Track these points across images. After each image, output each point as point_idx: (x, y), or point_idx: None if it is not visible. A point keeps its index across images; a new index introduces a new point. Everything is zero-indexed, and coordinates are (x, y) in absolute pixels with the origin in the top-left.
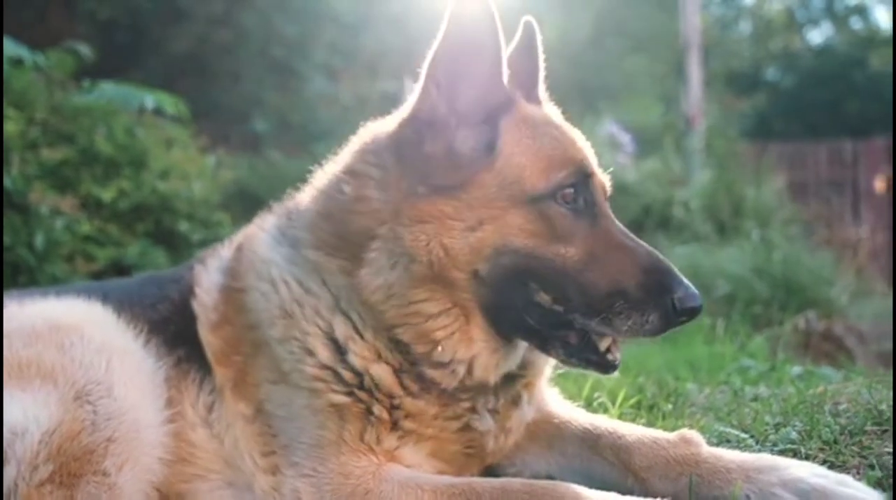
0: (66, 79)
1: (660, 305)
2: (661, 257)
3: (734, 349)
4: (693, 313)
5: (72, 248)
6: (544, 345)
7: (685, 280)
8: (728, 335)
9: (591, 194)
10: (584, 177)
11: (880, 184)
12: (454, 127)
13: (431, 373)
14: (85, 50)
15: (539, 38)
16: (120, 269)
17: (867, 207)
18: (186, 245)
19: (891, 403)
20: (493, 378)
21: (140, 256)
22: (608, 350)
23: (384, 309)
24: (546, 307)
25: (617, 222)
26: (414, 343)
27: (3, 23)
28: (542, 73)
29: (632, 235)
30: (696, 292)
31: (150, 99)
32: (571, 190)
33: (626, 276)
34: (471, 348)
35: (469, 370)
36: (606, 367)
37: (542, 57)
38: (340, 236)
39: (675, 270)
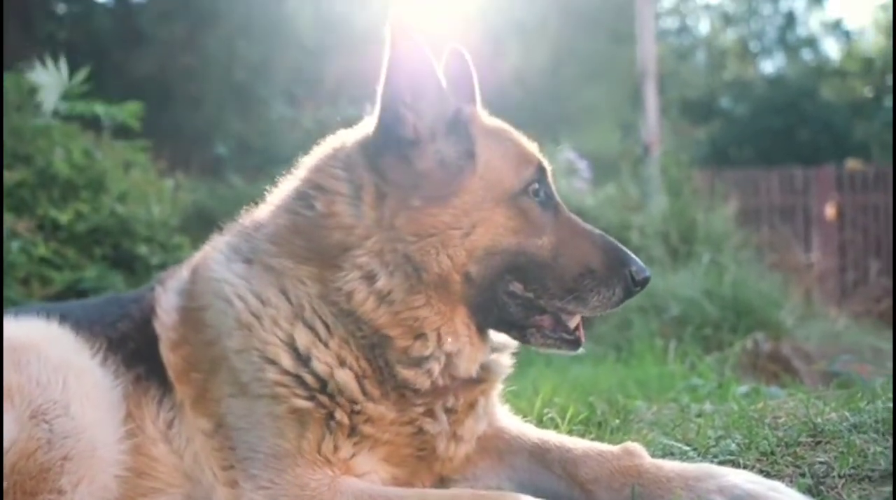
0: (22, 101)
1: (621, 278)
2: (611, 238)
3: (684, 370)
4: (645, 282)
5: (28, 270)
6: (523, 334)
7: (634, 256)
8: (679, 356)
9: (548, 186)
10: (542, 171)
11: (831, 210)
12: (436, 141)
13: (405, 373)
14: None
15: (470, 60)
16: (77, 292)
17: (817, 233)
18: (145, 268)
19: (826, 416)
20: (474, 371)
21: (98, 279)
22: (576, 328)
23: (374, 316)
24: (519, 295)
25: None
26: (399, 339)
27: (3, 49)
28: (477, 89)
29: (583, 222)
30: (644, 264)
31: (100, 109)
32: (537, 184)
33: (591, 257)
34: (457, 342)
35: (446, 367)
36: (577, 344)
37: (475, 75)
38: (312, 249)
39: (625, 247)
